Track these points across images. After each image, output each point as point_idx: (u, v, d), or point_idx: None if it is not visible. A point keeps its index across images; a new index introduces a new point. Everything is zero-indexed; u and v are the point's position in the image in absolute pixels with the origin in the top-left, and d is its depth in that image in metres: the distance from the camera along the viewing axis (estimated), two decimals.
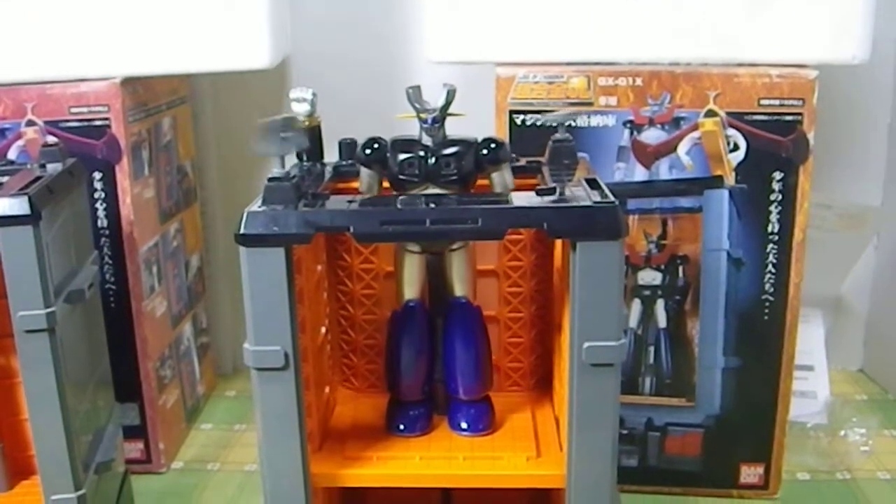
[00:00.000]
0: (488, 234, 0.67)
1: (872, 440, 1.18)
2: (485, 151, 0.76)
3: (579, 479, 0.72)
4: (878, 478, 1.11)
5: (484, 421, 0.83)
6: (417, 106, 0.74)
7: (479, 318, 0.82)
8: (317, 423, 0.80)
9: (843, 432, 1.19)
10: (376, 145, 0.77)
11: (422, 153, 0.75)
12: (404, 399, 0.84)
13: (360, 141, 0.79)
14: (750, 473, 1.06)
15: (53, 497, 0.81)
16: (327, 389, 0.85)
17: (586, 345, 0.67)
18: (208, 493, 1.12)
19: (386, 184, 0.78)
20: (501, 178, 0.77)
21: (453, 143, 0.76)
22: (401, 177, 0.76)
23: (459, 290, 0.81)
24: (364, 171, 0.78)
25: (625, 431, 1.04)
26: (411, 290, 0.82)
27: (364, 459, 0.79)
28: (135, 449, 1.15)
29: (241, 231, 0.67)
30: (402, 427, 0.83)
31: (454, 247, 0.80)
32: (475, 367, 0.82)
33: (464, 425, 0.82)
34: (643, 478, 1.07)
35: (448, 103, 0.74)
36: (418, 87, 0.76)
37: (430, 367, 0.83)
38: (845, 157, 1.28)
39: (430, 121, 0.74)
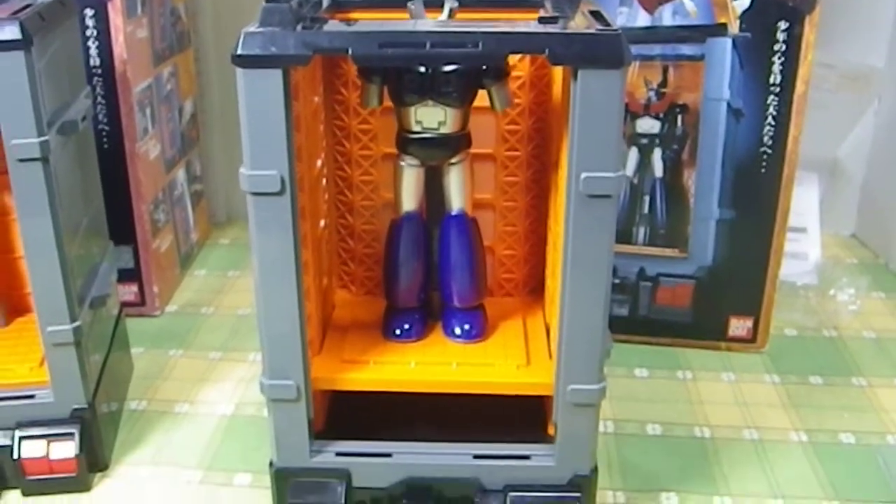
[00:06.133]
0: (488, 57, 0.66)
1: (860, 301, 1.20)
2: (485, 67, 0.76)
3: (573, 316, 0.72)
4: (863, 336, 1.13)
5: (477, 328, 0.84)
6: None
7: (474, 230, 0.84)
8: (317, 327, 0.81)
9: (832, 292, 1.21)
10: None
11: (422, 69, 0.75)
12: (401, 306, 0.85)
13: None
14: (739, 326, 1.07)
15: (49, 329, 0.82)
16: (322, 223, 0.85)
17: (584, 175, 0.66)
18: (202, 334, 1.14)
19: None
20: (500, 93, 0.78)
21: None
22: (401, 92, 0.77)
23: (457, 203, 0.82)
24: (365, 83, 0.79)
25: (617, 281, 1.05)
26: (409, 202, 0.82)
27: (361, 363, 0.81)
28: (129, 292, 1.16)
29: (238, 52, 0.65)
30: (398, 332, 0.84)
31: (453, 160, 0.80)
32: (470, 275, 0.83)
33: (457, 331, 0.84)
34: (633, 328, 1.09)
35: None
36: (420, 2, 0.76)
37: (427, 275, 0.85)
38: (851, 14, 1.26)
39: None
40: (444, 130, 0.78)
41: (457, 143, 0.80)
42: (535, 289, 0.92)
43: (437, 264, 0.84)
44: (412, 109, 0.77)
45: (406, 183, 0.82)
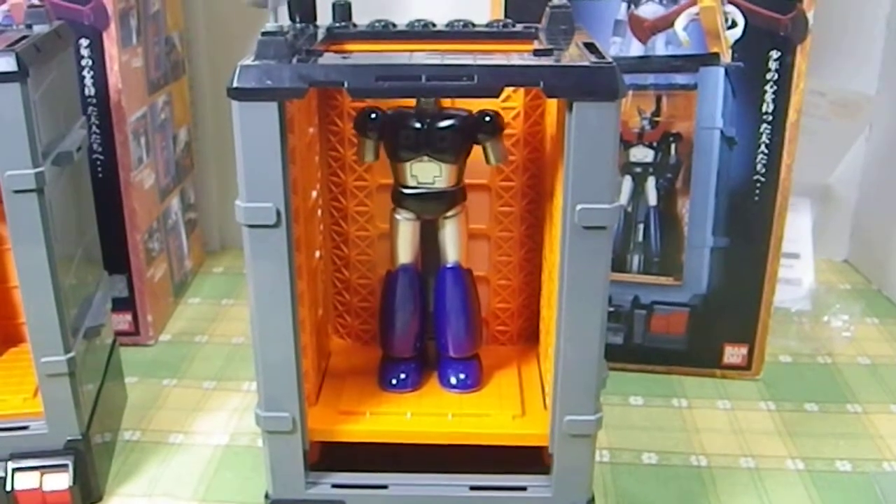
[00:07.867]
0: (484, 90, 0.66)
1: (854, 326, 1.20)
2: (479, 124, 0.78)
3: (569, 347, 0.72)
4: (857, 362, 1.14)
5: (472, 378, 0.85)
6: None
7: (469, 280, 0.84)
8: (312, 359, 0.81)
9: (825, 318, 1.21)
10: (374, 115, 0.78)
11: (418, 125, 0.77)
12: (397, 356, 0.86)
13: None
14: (733, 354, 1.07)
15: (43, 359, 0.82)
16: (318, 254, 0.85)
17: (579, 207, 0.67)
18: (196, 364, 1.13)
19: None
20: (495, 148, 0.79)
21: (449, 116, 0.77)
22: (397, 148, 0.78)
23: (452, 255, 0.83)
24: (361, 138, 0.80)
25: (611, 309, 1.05)
26: (405, 254, 0.83)
27: (357, 415, 0.81)
28: (123, 321, 1.16)
29: (234, 85, 0.65)
30: (394, 382, 0.85)
31: (448, 214, 0.81)
32: (465, 326, 0.84)
33: (453, 381, 0.84)
34: (628, 356, 1.09)
35: None
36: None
37: (422, 325, 0.86)
38: (842, 43, 1.27)
39: None
40: (439, 185, 0.79)
41: (452, 197, 0.81)
42: (528, 327, 0.92)
43: (433, 315, 0.85)
44: (408, 165, 0.79)
45: (402, 236, 0.82)
